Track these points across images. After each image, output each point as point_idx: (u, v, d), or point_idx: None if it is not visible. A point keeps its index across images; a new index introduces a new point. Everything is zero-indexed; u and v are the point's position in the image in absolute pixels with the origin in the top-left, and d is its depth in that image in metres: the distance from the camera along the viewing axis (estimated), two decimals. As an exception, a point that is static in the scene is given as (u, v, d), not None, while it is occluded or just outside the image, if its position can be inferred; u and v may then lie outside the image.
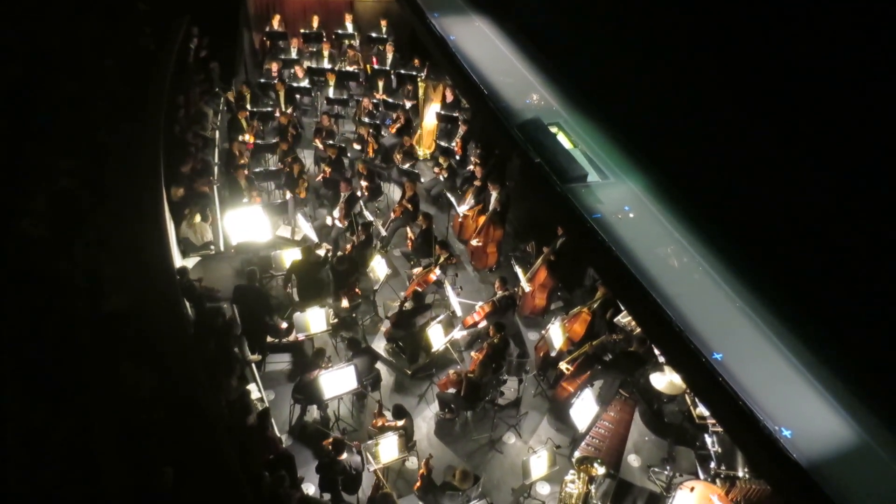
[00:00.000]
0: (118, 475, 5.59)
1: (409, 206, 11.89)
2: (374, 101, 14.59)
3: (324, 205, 12.75)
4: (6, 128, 7.81)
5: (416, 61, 14.66)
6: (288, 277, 10.28)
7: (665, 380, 8.79)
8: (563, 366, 9.35)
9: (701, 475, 8.36)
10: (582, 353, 9.37)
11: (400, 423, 8.39)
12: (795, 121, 6.97)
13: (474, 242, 11.53)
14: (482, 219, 11.48)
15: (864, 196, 6.34)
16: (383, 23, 15.35)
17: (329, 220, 11.84)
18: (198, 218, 10.43)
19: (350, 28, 15.60)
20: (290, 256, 10.35)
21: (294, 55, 15.04)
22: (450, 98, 13.75)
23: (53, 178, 7.73)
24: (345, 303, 10.26)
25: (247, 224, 10.61)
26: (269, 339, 9.91)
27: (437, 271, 10.60)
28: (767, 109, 7.34)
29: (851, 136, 6.40)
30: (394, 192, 13.41)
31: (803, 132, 6.89)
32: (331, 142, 13.05)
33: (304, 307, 9.66)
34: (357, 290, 10.41)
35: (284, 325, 9.92)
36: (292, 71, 14.75)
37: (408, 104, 14.48)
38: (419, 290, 10.33)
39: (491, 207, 11.46)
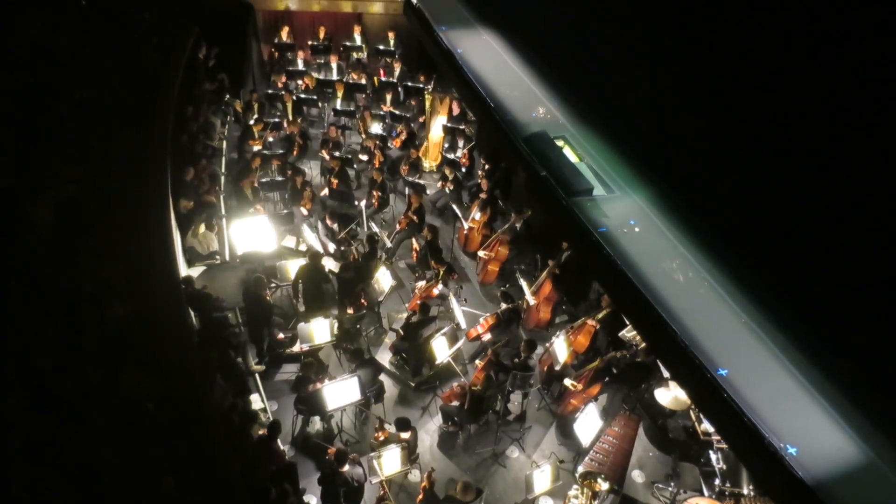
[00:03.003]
0: (119, 483, 5.58)
1: (415, 217, 11.90)
2: (381, 113, 14.65)
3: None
4: (14, 135, 7.85)
5: (422, 77, 14.71)
6: (295, 286, 10.26)
7: (670, 395, 8.76)
8: (568, 382, 9.30)
9: (705, 492, 8.31)
10: (591, 368, 9.31)
11: (404, 435, 8.36)
12: (807, 137, 6.96)
13: (482, 254, 11.49)
14: (495, 235, 11.45)
15: (876, 216, 6.31)
16: (391, 35, 15.43)
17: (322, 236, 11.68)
18: (202, 228, 10.45)
19: (358, 40, 15.68)
20: (295, 267, 10.35)
21: (301, 66, 15.14)
22: (456, 111, 13.79)
23: (60, 185, 7.76)
24: (349, 311, 10.23)
25: (252, 234, 10.63)
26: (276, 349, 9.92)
27: (440, 286, 10.59)
28: (776, 124, 7.33)
29: (866, 153, 6.38)
30: (399, 205, 13.43)
31: (815, 149, 6.88)
32: (336, 153, 13.09)
33: (308, 318, 9.65)
34: (363, 300, 10.40)
35: (281, 335, 9.90)
36: (299, 82, 14.84)
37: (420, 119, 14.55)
38: (419, 302, 10.33)
39: (507, 226, 11.47)
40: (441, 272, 10.63)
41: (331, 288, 10.66)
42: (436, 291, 10.58)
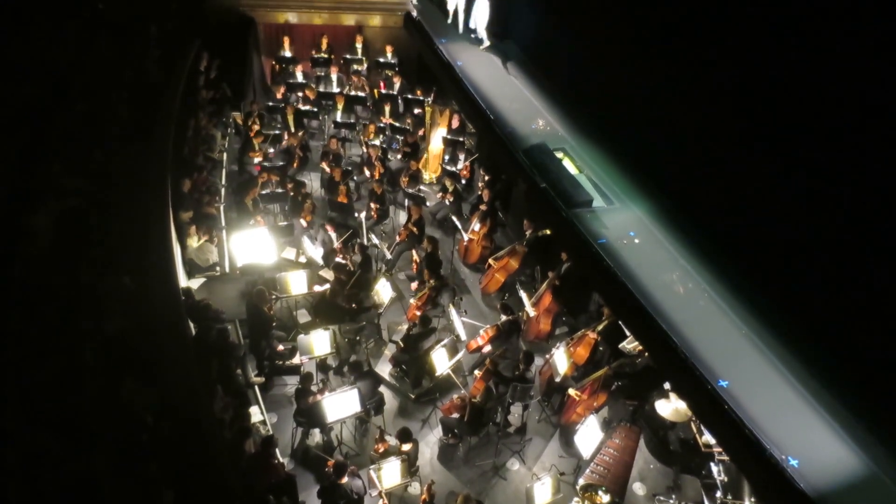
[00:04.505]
0: (118, 497, 5.55)
1: (415, 229, 11.91)
2: (381, 125, 14.70)
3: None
4: (16, 147, 7.87)
5: (419, 92, 14.76)
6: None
7: (670, 407, 8.73)
8: (572, 392, 9.27)
9: (707, 504, 8.27)
10: (596, 377, 9.28)
11: (406, 447, 8.33)
12: (806, 149, 6.97)
13: (492, 261, 11.47)
14: (511, 246, 11.45)
15: (879, 229, 6.31)
16: (388, 49, 15.50)
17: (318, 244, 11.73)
18: (195, 240, 10.44)
19: (360, 52, 15.74)
20: (294, 279, 10.34)
21: (300, 79, 15.20)
22: (456, 124, 13.83)
23: (61, 197, 7.78)
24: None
25: (252, 246, 10.64)
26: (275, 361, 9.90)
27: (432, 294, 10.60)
28: (776, 136, 7.34)
29: (872, 165, 6.38)
30: (399, 216, 13.45)
31: (814, 161, 6.88)
32: (334, 165, 13.13)
33: (308, 329, 9.65)
34: (354, 305, 10.39)
35: (281, 347, 9.88)
36: (300, 95, 14.89)
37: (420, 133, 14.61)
38: (418, 312, 10.32)
39: (526, 239, 11.49)
40: (432, 283, 10.60)
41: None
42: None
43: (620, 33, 9.76)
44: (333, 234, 11.61)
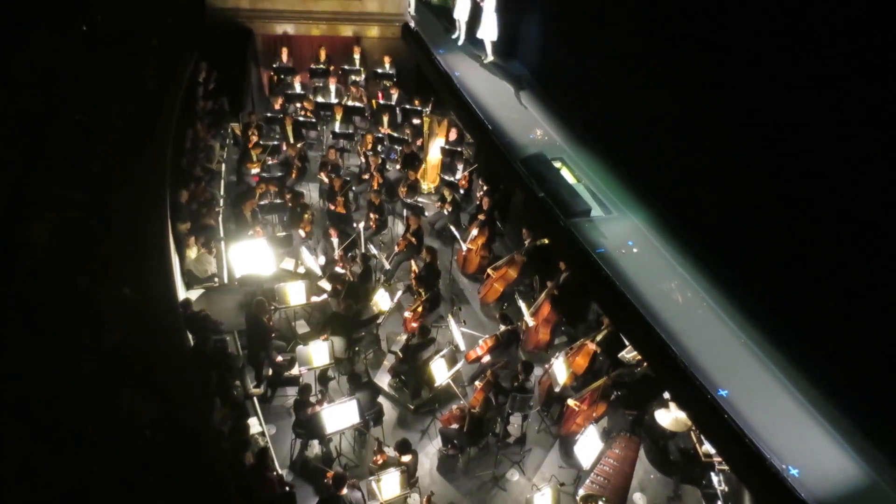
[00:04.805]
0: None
1: (413, 239, 11.90)
2: (379, 135, 14.72)
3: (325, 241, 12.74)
4: (14, 157, 7.88)
5: (418, 102, 14.80)
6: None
7: (670, 416, 8.71)
8: (571, 402, 9.24)
9: (707, 515, 8.24)
10: (595, 387, 9.26)
11: (405, 458, 8.29)
12: (803, 158, 6.99)
13: (490, 271, 11.47)
14: (510, 255, 11.44)
15: (876, 236, 6.32)
16: (387, 60, 15.55)
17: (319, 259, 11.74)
18: (193, 251, 10.43)
19: (357, 63, 15.79)
20: (293, 289, 10.32)
21: (299, 90, 15.23)
22: (454, 135, 13.84)
23: (60, 207, 7.78)
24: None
25: (251, 257, 10.63)
26: (272, 372, 9.86)
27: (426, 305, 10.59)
28: (772, 144, 7.37)
29: (863, 174, 6.40)
30: (398, 226, 13.45)
31: (812, 169, 6.91)
32: (335, 176, 13.14)
33: (307, 340, 9.63)
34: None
35: (280, 358, 9.86)
36: (298, 105, 14.93)
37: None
38: (415, 324, 10.31)
39: (525, 248, 11.49)
40: (424, 297, 10.57)
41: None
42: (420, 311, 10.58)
43: (619, 46, 9.81)
44: (336, 241, 11.59)
